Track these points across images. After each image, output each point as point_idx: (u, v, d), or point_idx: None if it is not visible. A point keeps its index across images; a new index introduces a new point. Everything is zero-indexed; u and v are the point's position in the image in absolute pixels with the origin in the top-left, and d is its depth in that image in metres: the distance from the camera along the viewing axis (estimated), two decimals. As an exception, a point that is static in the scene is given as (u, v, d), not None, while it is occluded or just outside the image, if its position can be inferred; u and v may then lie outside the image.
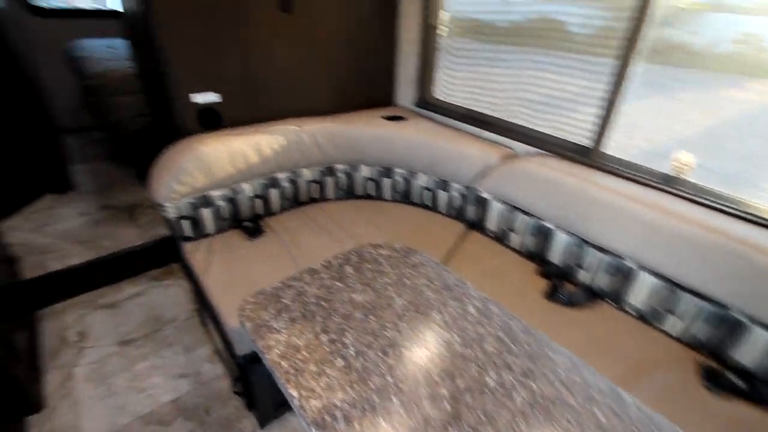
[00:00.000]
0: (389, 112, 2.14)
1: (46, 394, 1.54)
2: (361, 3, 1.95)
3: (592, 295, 1.41)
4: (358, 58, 2.07)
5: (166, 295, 2.04)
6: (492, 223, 1.69)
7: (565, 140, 1.67)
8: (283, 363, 0.78)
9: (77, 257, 2.14)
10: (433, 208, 1.92)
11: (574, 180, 1.44)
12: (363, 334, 0.85)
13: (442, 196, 1.86)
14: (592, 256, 1.40)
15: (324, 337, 0.84)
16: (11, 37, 2.34)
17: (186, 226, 1.58)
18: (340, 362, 0.78)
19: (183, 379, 1.63)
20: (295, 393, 0.72)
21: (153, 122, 2.36)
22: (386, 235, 1.71)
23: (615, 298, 1.37)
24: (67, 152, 2.90)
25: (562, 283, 1.43)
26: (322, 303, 0.94)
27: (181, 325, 1.87)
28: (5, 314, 1.54)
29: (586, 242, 1.41)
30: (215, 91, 1.68)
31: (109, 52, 2.98)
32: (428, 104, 2.20)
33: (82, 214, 2.55)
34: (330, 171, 1.92)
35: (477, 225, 1.77)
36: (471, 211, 1.77)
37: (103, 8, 3.75)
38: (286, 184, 1.82)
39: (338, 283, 1.00)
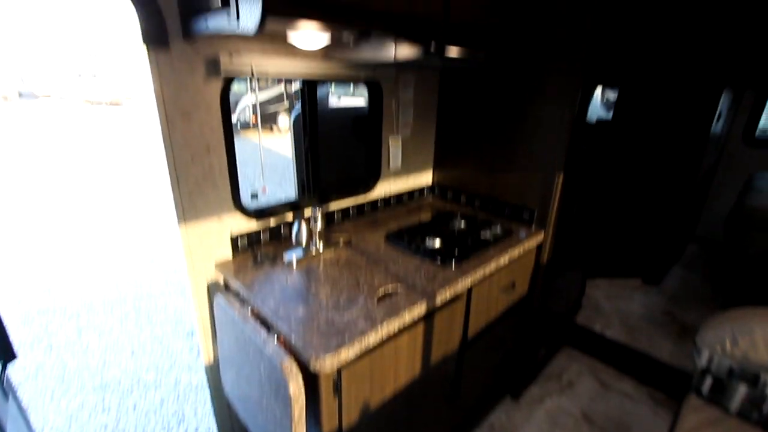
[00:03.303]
0: None
1: (524, 393, 2.08)
2: None
3: None
4: None
5: (649, 417, 1.94)
6: None
7: None
8: None
9: (612, 332, 2.47)
10: None
11: None
12: None
13: None
14: None
15: None
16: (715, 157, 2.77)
17: (705, 383, 1.39)
18: None
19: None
20: None
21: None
22: None
23: None
24: (677, 253, 3.16)
25: None
26: None
27: (634, 455, 1.76)
28: (552, 334, 2.17)
29: None
30: None
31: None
32: None
33: (645, 306, 2.80)
34: None
35: None
36: None
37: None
38: None
39: None
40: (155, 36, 1.00)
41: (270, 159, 8.72)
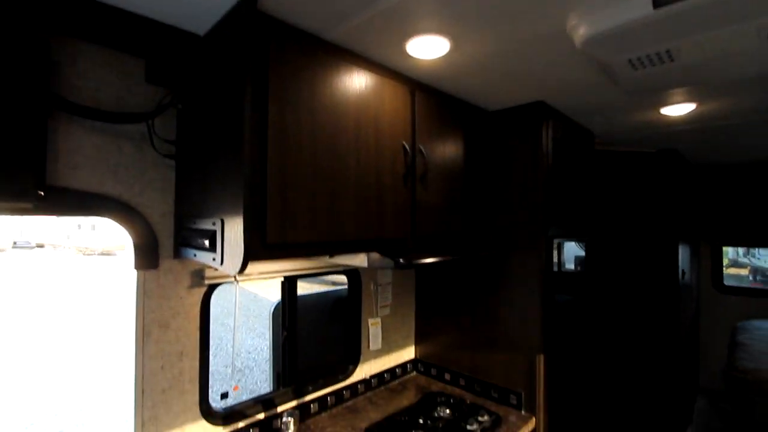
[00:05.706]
0: None
1: None
2: None
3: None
4: None
5: None
6: None
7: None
8: None
9: None
10: None
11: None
12: None
13: None
14: None
15: None
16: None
17: None
18: None
19: None
20: None
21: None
22: None
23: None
24: (687, 411, 2.92)
25: None
26: None
27: None
28: None
29: None
30: None
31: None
32: None
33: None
34: None
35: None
36: None
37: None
38: None
39: None
40: (147, 263, 1.10)
41: (249, 303, 8.55)
